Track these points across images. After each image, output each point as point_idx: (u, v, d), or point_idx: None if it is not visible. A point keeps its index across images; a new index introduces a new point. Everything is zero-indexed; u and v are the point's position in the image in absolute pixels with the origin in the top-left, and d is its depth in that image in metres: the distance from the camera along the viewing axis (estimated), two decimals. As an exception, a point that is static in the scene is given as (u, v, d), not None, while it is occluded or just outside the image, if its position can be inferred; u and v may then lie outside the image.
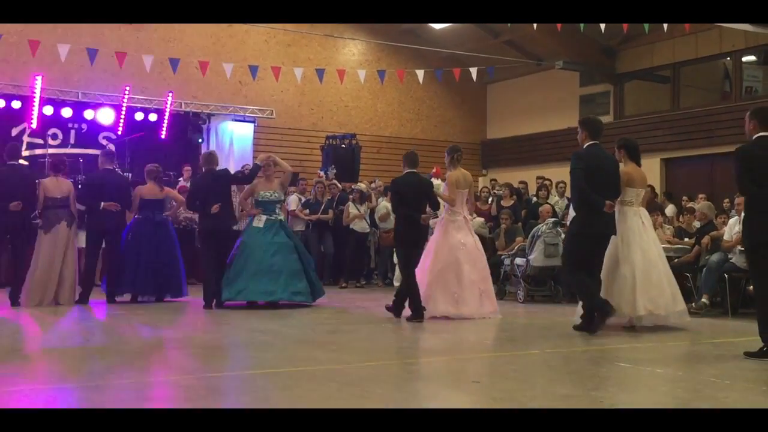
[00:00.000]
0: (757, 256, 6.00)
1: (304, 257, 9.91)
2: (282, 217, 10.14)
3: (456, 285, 8.46)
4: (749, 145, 6.08)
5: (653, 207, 11.94)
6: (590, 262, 7.41)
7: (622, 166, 7.72)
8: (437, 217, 9.43)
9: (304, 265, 9.75)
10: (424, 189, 8.66)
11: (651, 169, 16.59)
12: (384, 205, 13.09)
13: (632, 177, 7.70)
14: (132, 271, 9.78)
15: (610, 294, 7.43)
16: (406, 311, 8.46)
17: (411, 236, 8.51)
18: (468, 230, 8.73)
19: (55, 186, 9.55)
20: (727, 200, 12.86)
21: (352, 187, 14.13)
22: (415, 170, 8.71)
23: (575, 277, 7.54)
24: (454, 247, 8.55)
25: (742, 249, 9.09)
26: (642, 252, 7.56)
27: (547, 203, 12.46)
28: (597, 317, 7.28)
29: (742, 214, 6.68)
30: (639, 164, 7.89)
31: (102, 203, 9.63)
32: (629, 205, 7.70)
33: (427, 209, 8.95)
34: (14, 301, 9.21)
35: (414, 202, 8.47)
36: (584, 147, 7.51)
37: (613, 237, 7.51)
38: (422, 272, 8.51)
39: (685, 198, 14.33)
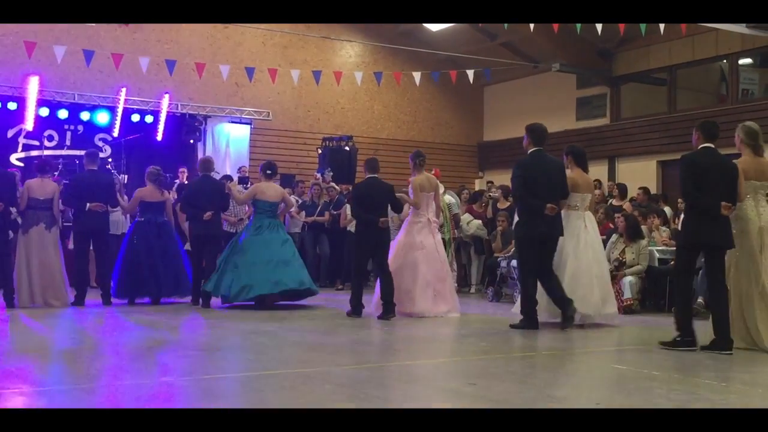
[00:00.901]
0: (685, 254, 6.65)
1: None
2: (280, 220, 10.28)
3: (411, 284, 8.80)
4: (694, 154, 6.65)
5: (650, 210, 11.96)
6: (541, 264, 7.75)
7: (568, 172, 8.09)
8: (400, 220, 9.77)
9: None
10: (385, 193, 8.91)
11: (647, 171, 16.66)
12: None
13: (577, 182, 8.10)
14: (141, 272, 9.75)
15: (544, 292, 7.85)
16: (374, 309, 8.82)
17: (368, 239, 8.78)
18: (430, 232, 9.04)
19: (40, 187, 9.52)
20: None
21: (349, 189, 14.11)
22: (376, 175, 9.00)
23: (524, 280, 7.90)
24: (413, 247, 8.91)
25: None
26: (575, 255, 7.96)
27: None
28: (561, 316, 7.67)
29: (682, 216, 7.06)
30: (586, 170, 8.33)
31: (88, 204, 9.60)
32: (574, 209, 8.10)
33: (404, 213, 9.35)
34: (9, 303, 9.18)
35: (374, 206, 8.76)
36: (528, 153, 7.91)
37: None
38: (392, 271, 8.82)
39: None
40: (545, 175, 7.74)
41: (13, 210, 9.66)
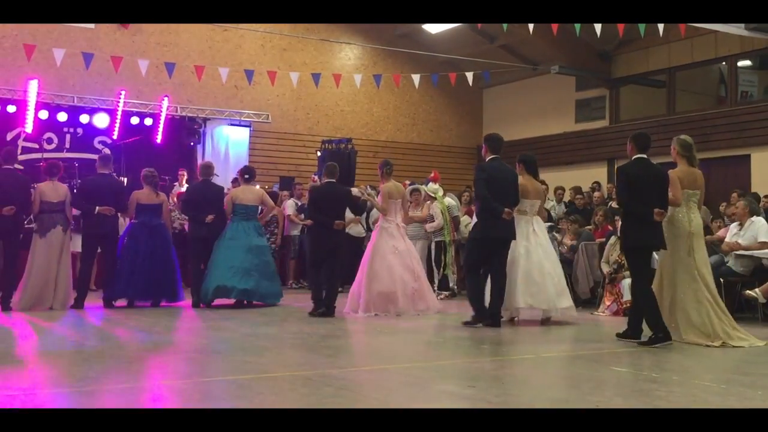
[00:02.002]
0: (631, 256, 7.21)
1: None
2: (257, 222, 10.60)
3: (391, 285, 9.34)
4: (627, 165, 7.26)
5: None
6: (491, 264, 8.26)
7: (520, 179, 8.61)
8: (359, 223, 10.68)
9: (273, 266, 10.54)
10: (341, 198, 9.51)
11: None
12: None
13: (527, 189, 8.65)
14: (128, 275, 9.76)
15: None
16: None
17: (321, 241, 9.33)
18: (400, 236, 9.68)
19: (52, 190, 9.53)
20: (723, 204, 12.87)
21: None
22: (333, 180, 9.54)
23: (470, 278, 8.43)
24: (387, 251, 9.48)
25: (738, 254, 9.16)
26: (527, 256, 8.52)
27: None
28: (490, 313, 8.21)
29: (620, 222, 7.64)
30: (536, 178, 8.91)
31: (97, 207, 9.61)
32: (523, 214, 8.67)
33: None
34: (6, 306, 9.17)
35: (330, 210, 9.28)
36: (486, 160, 8.40)
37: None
38: (361, 273, 9.50)
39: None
40: (501, 181, 8.26)
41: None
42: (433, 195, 12.02)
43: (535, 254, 8.56)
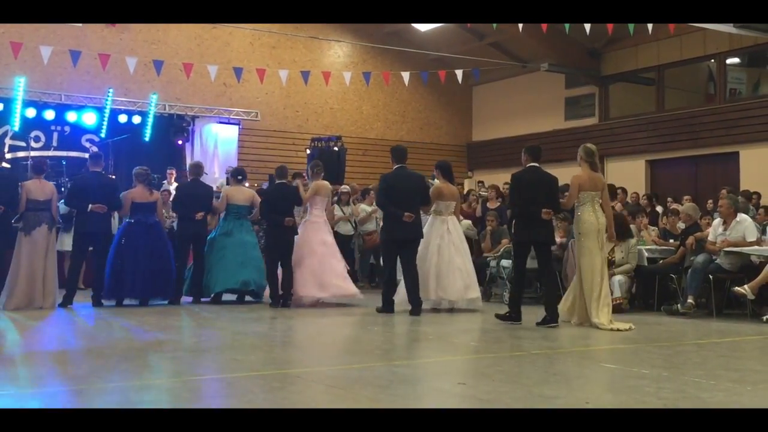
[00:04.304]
0: (517, 249, 8.44)
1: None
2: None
3: (320, 273, 9.98)
4: (520, 172, 8.42)
5: (636, 210, 11.98)
6: (401, 262, 9.15)
7: (436, 182, 9.79)
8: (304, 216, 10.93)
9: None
10: (292, 196, 10.21)
11: (636, 170, 16.72)
12: (363, 207, 13.27)
13: (442, 192, 9.61)
14: (128, 275, 9.70)
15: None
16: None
17: (279, 238, 9.95)
18: (327, 231, 10.36)
19: (38, 188, 9.46)
20: (710, 201, 12.92)
21: (338, 189, 14.10)
22: (285, 181, 10.34)
23: (386, 272, 9.33)
24: (316, 243, 10.13)
25: (727, 250, 9.18)
26: (439, 252, 9.43)
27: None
28: (411, 305, 9.05)
29: (513, 221, 8.51)
30: (451, 182, 9.86)
31: (90, 206, 9.56)
32: (438, 214, 9.60)
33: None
34: (-3, 306, 9.11)
35: (283, 208, 9.97)
36: (393, 169, 9.40)
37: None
38: (294, 263, 10.02)
39: (670, 199, 14.38)
40: (404, 188, 9.18)
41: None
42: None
43: (447, 251, 9.47)
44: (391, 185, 9.21)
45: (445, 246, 9.47)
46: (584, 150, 8.34)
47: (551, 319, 8.01)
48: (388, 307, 9.19)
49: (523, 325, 8.16)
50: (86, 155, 11.80)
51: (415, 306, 9.01)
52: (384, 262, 9.61)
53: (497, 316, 8.35)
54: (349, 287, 10.13)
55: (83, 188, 9.75)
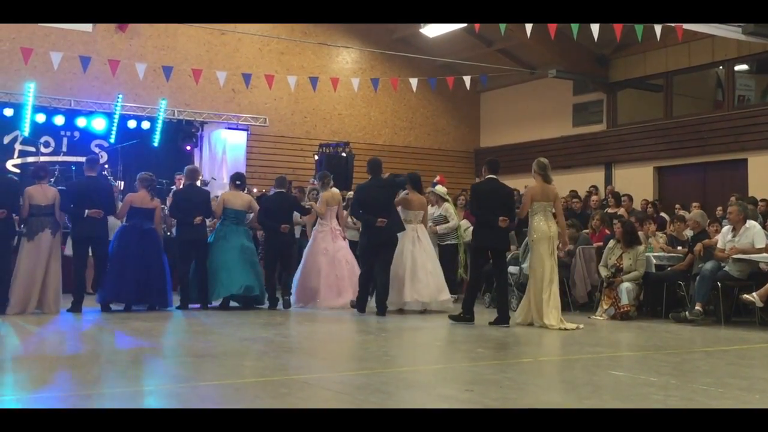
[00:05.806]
0: (473, 254, 9.26)
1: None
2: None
3: (316, 281, 10.62)
4: (479, 184, 9.42)
5: (643, 216, 11.96)
6: (379, 263, 9.70)
7: (404, 193, 10.36)
8: (304, 222, 11.79)
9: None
10: (290, 204, 10.86)
11: (644, 177, 16.68)
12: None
13: (411, 202, 10.35)
14: (117, 278, 9.71)
15: (391, 286, 9.88)
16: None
17: (275, 243, 10.59)
18: (332, 239, 10.87)
19: (40, 193, 9.48)
20: (719, 208, 12.88)
21: (346, 195, 14.09)
22: (284, 190, 10.88)
23: (363, 272, 9.96)
24: (318, 252, 10.75)
25: (736, 258, 9.15)
26: (412, 257, 10.11)
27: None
28: (378, 306, 9.69)
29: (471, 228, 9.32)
30: (421, 193, 10.58)
31: (86, 211, 9.57)
32: (408, 223, 10.21)
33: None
34: (1, 311, 9.12)
35: (280, 216, 10.52)
36: (368, 180, 10.10)
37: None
38: (298, 271, 10.81)
39: (677, 206, 14.35)
40: (375, 198, 9.82)
41: (15, 217, 9.60)
42: (445, 197, 11.99)
43: (419, 257, 10.16)
44: (365, 196, 9.92)
45: (418, 252, 10.18)
46: (537, 164, 8.99)
47: (503, 319, 8.64)
48: (361, 305, 9.86)
49: (527, 332, 8.15)
50: (99, 161, 11.85)
51: (382, 306, 9.63)
52: (361, 264, 10.21)
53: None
54: (341, 299, 10.55)
55: (79, 193, 9.76)
